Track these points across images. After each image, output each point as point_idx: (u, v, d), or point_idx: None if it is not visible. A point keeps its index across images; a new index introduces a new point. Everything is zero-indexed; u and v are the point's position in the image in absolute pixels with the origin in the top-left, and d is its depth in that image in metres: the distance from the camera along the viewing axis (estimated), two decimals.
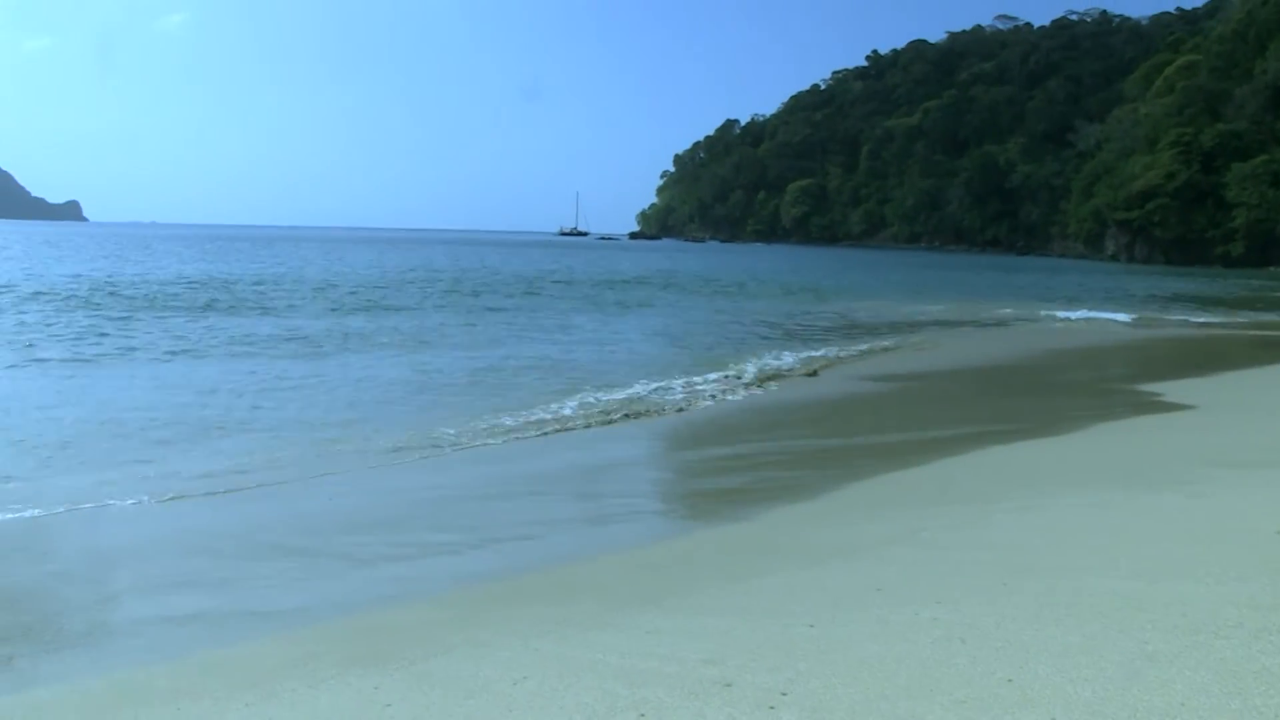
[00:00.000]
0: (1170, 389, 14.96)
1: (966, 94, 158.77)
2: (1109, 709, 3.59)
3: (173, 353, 17.85)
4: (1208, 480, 7.74)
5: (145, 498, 8.23)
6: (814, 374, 16.77)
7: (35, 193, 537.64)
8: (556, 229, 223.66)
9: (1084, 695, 3.72)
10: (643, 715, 3.80)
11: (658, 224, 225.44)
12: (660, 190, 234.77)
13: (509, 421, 11.63)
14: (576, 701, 3.97)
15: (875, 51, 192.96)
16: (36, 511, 7.71)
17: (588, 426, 11.70)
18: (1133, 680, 3.82)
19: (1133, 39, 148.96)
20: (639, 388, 14.46)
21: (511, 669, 4.40)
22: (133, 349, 18.22)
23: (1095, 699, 3.68)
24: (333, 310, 27.67)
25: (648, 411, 12.64)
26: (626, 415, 12.28)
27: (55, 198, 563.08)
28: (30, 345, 18.20)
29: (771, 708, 3.79)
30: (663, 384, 14.88)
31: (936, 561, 5.91)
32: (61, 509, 7.84)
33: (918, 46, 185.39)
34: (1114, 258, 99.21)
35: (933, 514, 7.32)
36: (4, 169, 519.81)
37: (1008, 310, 33.55)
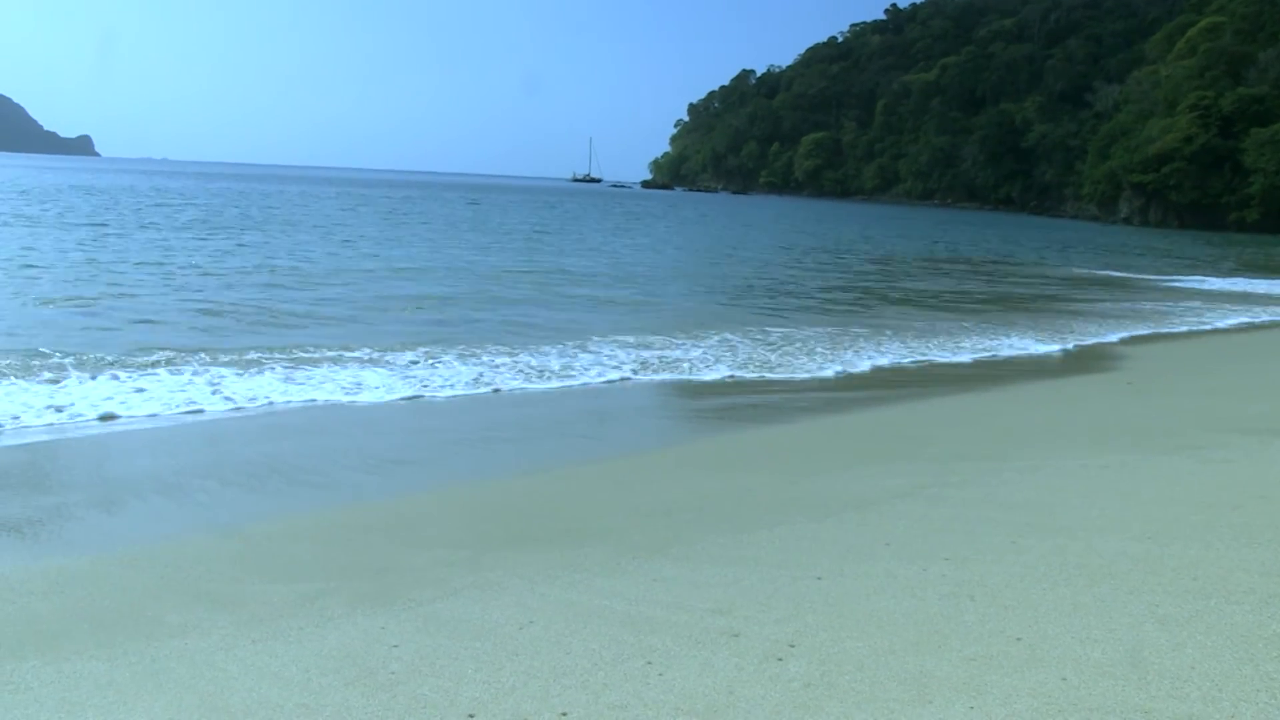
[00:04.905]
0: (1167, 351, 14.89)
1: (985, 51, 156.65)
2: (1119, 670, 3.58)
3: None
4: (1221, 445, 7.70)
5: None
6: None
7: (47, 126, 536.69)
8: (570, 175, 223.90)
9: (1094, 656, 3.71)
10: (649, 663, 3.80)
11: (670, 173, 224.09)
12: (674, 139, 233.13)
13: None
14: (584, 647, 3.97)
15: (894, 5, 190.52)
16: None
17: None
18: (1143, 643, 3.81)
19: None
20: None
21: (518, 613, 4.40)
22: None
23: (1105, 660, 3.67)
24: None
25: None
26: None
27: (67, 132, 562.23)
28: None
29: (779, 659, 3.79)
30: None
31: (945, 518, 5.90)
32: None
33: (937, 2, 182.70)
34: (1127, 221, 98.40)
35: (941, 470, 7.29)
36: (17, 103, 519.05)
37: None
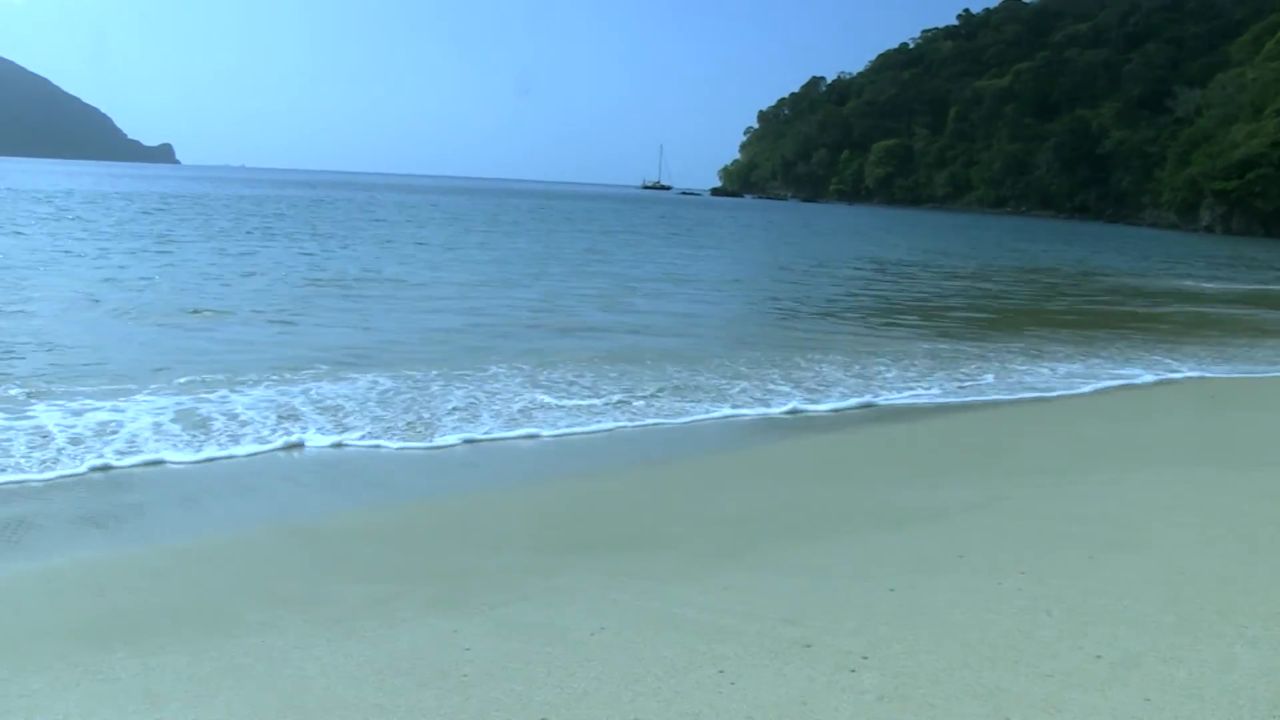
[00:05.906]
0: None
1: (1060, 56, 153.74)
2: (1208, 693, 3.47)
3: None
4: None
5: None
6: None
7: (131, 135, 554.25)
8: (640, 182, 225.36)
9: (1179, 677, 3.61)
10: (722, 672, 3.78)
11: (740, 180, 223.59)
12: (744, 146, 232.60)
13: None
14: (656, 655, 3.96)
15: (967, 11, 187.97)
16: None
17: None
18: (1233, 665, 3.70)
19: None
20: None
21: (590, 619, 4.41)
22: None
23: (1192, 681, 3.57)
24: None
25: None
26: None
27: (150, 140, 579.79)
28: None
29: (852, 671, 3.75)
30: None
31: (1021, 530, 5.79)
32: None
33: (1011, 6, 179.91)
34: (1208, 229, 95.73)
35: (1016, 481, 7.17)
36: (104, 112, 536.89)
37: None
